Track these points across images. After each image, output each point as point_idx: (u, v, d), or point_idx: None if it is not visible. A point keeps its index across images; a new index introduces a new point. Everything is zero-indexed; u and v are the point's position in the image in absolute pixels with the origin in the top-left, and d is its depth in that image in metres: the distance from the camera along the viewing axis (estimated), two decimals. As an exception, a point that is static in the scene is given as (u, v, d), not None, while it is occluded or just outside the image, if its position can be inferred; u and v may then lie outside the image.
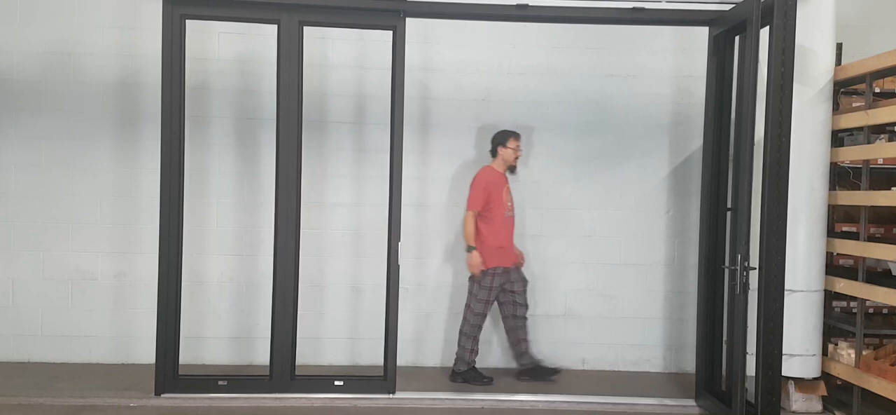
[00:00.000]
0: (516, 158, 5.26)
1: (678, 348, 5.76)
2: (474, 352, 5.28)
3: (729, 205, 4.76)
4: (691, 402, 4.93)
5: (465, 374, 5.26)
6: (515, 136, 5.26)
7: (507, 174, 5.31)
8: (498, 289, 5.23)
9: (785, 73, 4.21)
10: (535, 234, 5.74)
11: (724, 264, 4.65)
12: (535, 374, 5.34)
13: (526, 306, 5.35)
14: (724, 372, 4.82)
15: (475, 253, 5.15)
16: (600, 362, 5.71)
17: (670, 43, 5.66)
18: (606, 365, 5.70)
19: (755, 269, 4.21)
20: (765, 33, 4.32)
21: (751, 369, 4.30)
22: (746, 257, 4.18)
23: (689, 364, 5.49)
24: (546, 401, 4.91)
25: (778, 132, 4.21)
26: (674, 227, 5.74)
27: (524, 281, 5.37)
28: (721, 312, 4.82)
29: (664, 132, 5.73)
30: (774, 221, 4.20)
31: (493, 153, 5.27)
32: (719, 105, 4.84)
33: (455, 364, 5.30)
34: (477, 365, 5.31)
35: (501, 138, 5.24)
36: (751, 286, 4.21)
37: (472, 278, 5.23)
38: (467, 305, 5.27)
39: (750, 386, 4.73)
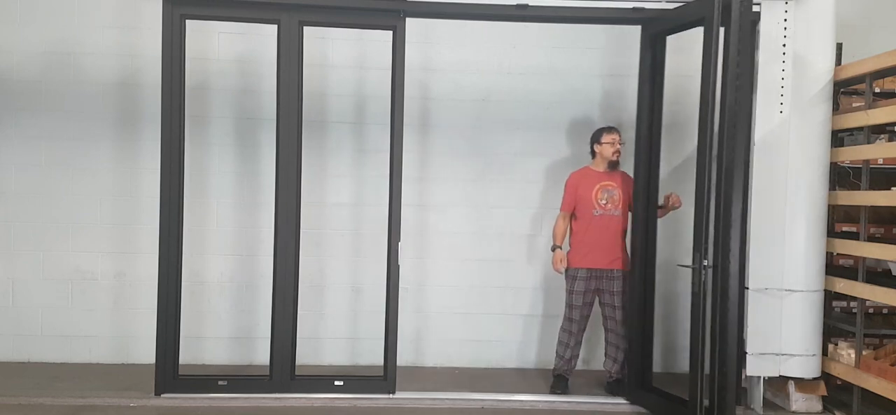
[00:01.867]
0: (614, 151, 5.02)
1: (678, 349, 5.76)
2: (563, 358, 5.07)
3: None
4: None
5: (555, 380, 5.11)
6: (609, 130, 5.08)
7: (609, 170, 5.08)
8: (586, 293, 5.03)
9: (741, 74, 4.20)
10: (533, 234, 5.74)
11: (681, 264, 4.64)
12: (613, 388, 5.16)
13: (618, 322, 5.03)
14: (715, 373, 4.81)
15: (557, 251, 5.10)
16: (601, 362, 5.70)
17: (671, 42, 5.64)
18: (606, 365, 5.70)
19: (711, 267, 4.23)
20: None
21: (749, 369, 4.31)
22: (705, 256, 4.20)
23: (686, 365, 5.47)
24: (546, 401, 4.91)
25: (733, 132, 4.21)
26: (674, 227, 5.73)
27: (621, 293, 5.01)
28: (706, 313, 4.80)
29: (664, 132, 5.70)
30: (727, 219, 4.20)
31: (592, 153, 5.14)
32: (652, 103, 4.82)
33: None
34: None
35: (596, 136, 5.10)
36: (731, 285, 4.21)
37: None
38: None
39: (747, 386, 4.77)
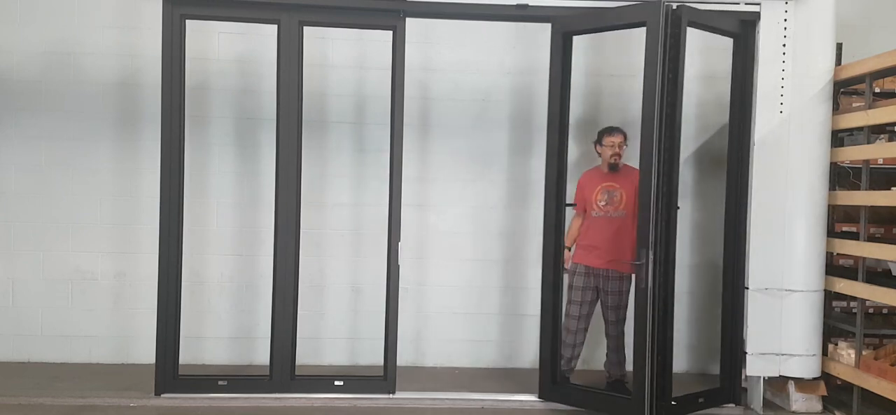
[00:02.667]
0: (612, 154, 4.94)
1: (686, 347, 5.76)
2: (563, 358, 4.99)
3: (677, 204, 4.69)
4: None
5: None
6: (610, 131, 4.99)
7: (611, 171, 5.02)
8: (586, 290, 5.01)
9: (672, 79, 4.33)
10: (534, 234, 5.74)
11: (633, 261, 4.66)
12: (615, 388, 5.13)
13: (616, 322, 5.03)
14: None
15: (565, 252, 5.04)
16: (600, 362, 5.70)
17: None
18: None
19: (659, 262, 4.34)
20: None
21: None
22: (651, 252, 4.30)
23: (681, 365, 5.52)
24: (546, 401, 4.91)
25: (670, 133, 4.38)
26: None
27: (620, 293, 4.98)
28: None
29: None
30: (668, 216, 4.37)
31: (598, 154, 5.12)
32: (563, 103, 4.80)
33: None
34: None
35: (598, 137, 5.05)
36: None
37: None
38: None
39: (747, 386, 4.75)
